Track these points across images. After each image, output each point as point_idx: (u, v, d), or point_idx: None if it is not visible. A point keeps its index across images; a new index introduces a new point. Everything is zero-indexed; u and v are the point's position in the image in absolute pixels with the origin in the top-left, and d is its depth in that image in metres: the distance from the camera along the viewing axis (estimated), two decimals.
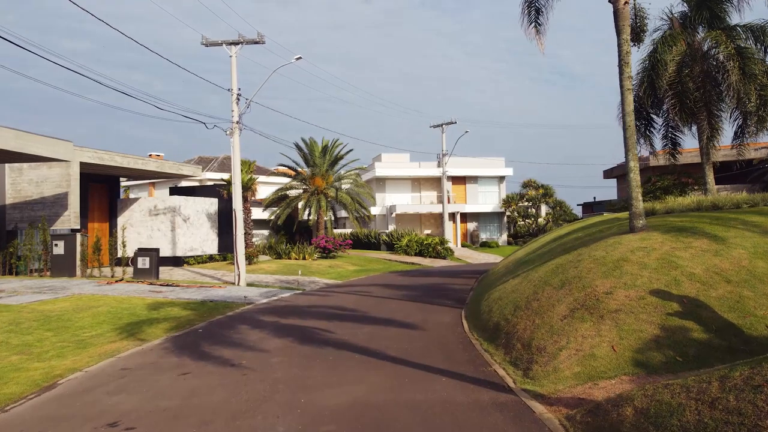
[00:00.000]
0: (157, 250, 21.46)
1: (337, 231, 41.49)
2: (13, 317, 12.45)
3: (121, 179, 38.83)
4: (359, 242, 40.55)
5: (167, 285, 19.12)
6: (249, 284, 20.31)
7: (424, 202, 48.71)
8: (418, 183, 49.50)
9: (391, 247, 39.00)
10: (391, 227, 45.24)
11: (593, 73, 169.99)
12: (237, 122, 20.15)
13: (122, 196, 40.80)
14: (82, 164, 23.87)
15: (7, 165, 24.27)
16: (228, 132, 19.83)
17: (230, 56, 20.17)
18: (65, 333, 11.33)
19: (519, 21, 12.95)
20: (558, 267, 9.32)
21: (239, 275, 20.06)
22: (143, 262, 20.97)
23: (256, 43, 20.07)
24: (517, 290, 9.82)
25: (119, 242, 22.86)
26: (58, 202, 23.49)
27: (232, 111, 20.18)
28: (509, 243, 48.24)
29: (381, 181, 48.39)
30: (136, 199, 29.41)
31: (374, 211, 44.60)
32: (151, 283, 19.51)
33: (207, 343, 10.18)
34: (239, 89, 20.28)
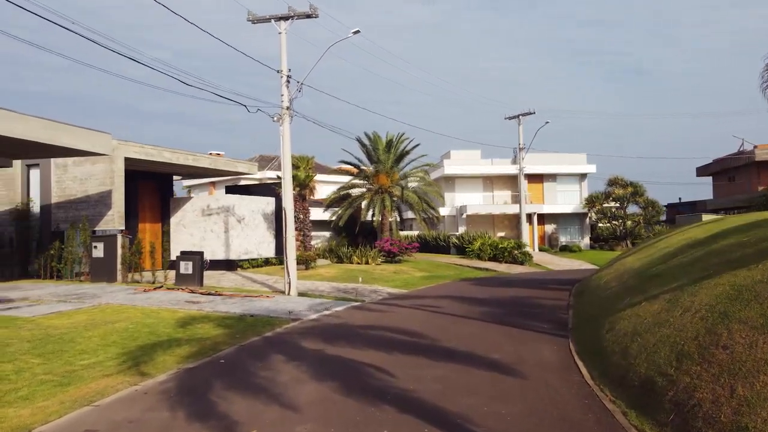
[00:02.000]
0: (201, 254, 19.24)
1: (402, 233, 38.59)
2: (4, 336, 10.24)
3: (182, 179, 37.56)
4: (427, 245, 37.51)
5: (208, 294, 16.79)
6: (301, 293, 17.72)
7: (497, 202, 45.07)
8: (491, 181, 45.89)
9: (461, 250, 35.73)
10: (462, 229, 41.89)
11: (667, 70, 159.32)
12: (287, 108, 17.60)
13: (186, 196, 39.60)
14: (130, 160, 22.07)
15: (52, 162, 22.85)
16: (276, 118, 17.29)
17: (279, 33, 17.66)
18: (57, 360, 8.94)
19: None
20: (740, 290, 5.98)
21: (289, 283, 17.49)
22: (186, 267, 18.78)
23: (309, 16, 17.46)
24: (668, 323, 6.53)
25: (161, 244, 20.79)
26: (102, 201, 21.78)
27: (282, 95, 17.65)
28: (592, 247, 43.83)
29: (450, 180, 45.15)
30: (188, 198, 27.61)
31: (443, 211, 41.43)
32: (191, 291, 17.25)
33: (221, 386, 7.46)
34: (289, 70, 17.74)
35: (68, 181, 22.58)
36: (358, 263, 28.08)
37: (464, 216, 42.97)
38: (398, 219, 35.66)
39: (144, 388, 7.58)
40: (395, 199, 33.10)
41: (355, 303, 15.92)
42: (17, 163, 23.64)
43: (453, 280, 23.52)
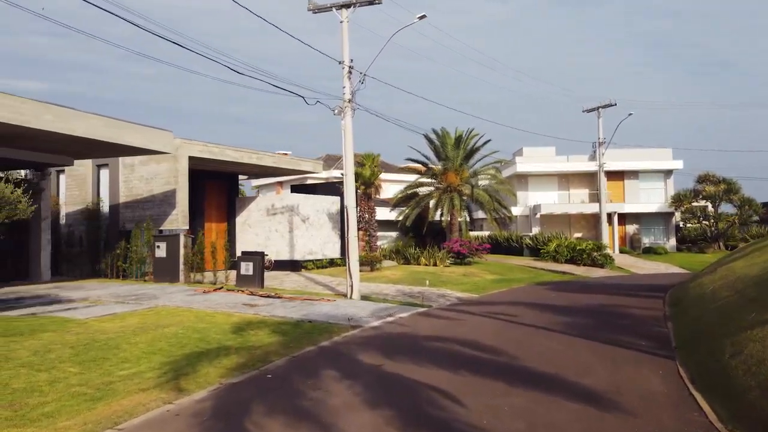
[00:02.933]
0: (261, 254, 18.61)
1: (472, 233, 37.02)
2: (49, 341, 9.72)
3: (248, 179, 37.60)
4: (498, 246, 35.78)
5: (268, 296, 16.06)
6: (364, 297, 16.71)
7: (573, 201, 42.59)
8: (566, 179, 43.44)
9: (535, 252, 33.78)
10: (535, 230, 39.83)
11: (752, 61, 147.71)
12: (349, 100, 16.63)
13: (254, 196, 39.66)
14: (195, 160, 21.85)
15: (120, 162, 22.99)
16: (336, 111, 16.36)
17: (341, 22, 16.73)
18: (95, 370, 8.25)
19: None
20: None
21: (352, 286, 16.51)
22: (246, 268, 18.19)
23: (371, 2, 16.43)
24: None
25: (224, 244, 20.34)
26: (167, 201, 21.65)
27: (344, 87, 16.71)
28: (678, 249, 40.57)
29: (522, 178, 43.09)
30: (253, 198, 27.31)
31: (515, 211, 39.51)
32: (251, 293, 16.59)
33: (262, 408, 6.46)
34: (351, 61, 16.77)
35: (135, 180, 22.63)
36: (426, 265, 26.89)
37: (538, 216, 40.84)
38: (468, 219, 34.14)
39: (177, 407, 6.69)
40: (465, 198, 31.63)
41: (421, 308, 14.74)
42: (88, 163, 23.98)
43: (528, 284, 21.88)
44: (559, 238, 32.89)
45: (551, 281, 23.44)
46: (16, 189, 10.23)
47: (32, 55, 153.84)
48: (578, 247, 30.74)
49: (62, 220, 24.80)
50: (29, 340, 9.62)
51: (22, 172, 20.36)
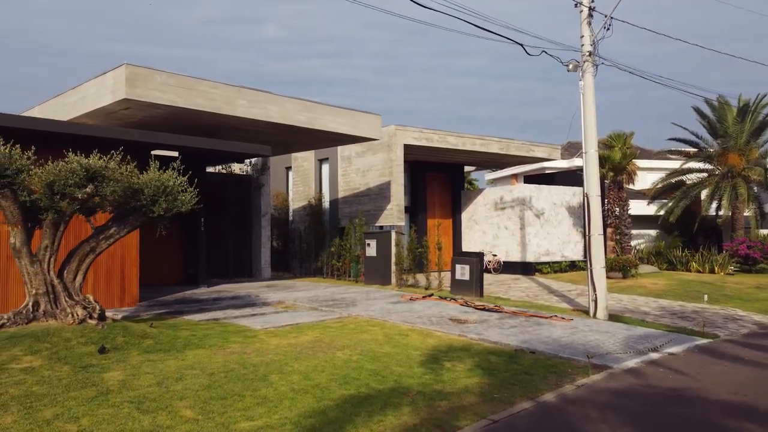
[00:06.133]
0: (480, 256, 15.43)
1: (763, 232, 28.69)
2: (192, 362, 7.83)
3: (476, 169, 34.76)
4: None
5: (484, 308, 12.82)
6: (612, 316, 12.44)
7: None
8: None
9: None
10: None
11: None
12: (589, 54, 12.47)
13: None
14: (411, 148, 19.74)
15: (339, 155, 21.94)
16: (571, 67, 12.32)
17: None
18: (215, 416, 5.93)
19: None
20: None
21: (595, 300, 12.36)
22: (462, 272, 15.20)
23: None
24: None
25: (432, 243, 17.58)
26: (382, 194, 19.82)
27: (581, 36, 12.62)
28: None
29: None
30: (480, 191, 24.31)
31: None
32: (464, 303, 13.53)
33: None
34: (592, 2, 12.59)
35: (352, 173, 21.34)
36: (699, 272, 20.91)
37: None
38: (758, 213, 26.36)
39: None
40: (753, 184, 24.27)
41: (701, 340, 10.06)
42: (311, 158, 23.51)
43: None
44: None
45: None
46: (180, 177, 8.59)
47: (306, 75, 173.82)
48: None
49: (290, 217, 24.84)
50: (170, 360, 7.86)
51: (244, 169, 20.37)
